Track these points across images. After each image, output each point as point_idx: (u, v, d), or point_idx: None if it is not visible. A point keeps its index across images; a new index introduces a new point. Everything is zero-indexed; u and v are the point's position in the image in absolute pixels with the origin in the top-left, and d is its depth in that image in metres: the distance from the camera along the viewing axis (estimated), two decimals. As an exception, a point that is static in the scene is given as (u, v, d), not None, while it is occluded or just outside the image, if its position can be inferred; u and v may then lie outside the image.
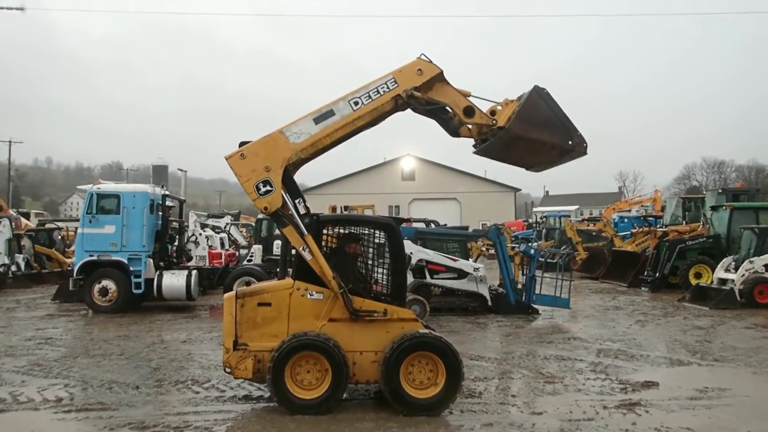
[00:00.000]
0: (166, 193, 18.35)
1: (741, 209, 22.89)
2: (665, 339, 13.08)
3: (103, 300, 16.77)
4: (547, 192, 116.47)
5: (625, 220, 45.09)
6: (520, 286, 17.15)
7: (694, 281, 21.22)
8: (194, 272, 17.67)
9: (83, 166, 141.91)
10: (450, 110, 8.06)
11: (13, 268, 24.38)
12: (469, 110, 8.00)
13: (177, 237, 19.04)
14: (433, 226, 26.73)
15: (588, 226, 36.11)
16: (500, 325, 15.03)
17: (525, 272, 17.28)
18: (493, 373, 9.85)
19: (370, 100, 7.78)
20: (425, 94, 7.90)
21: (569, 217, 42.72)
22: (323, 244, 8.02)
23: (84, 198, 17.58)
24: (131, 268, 16.79)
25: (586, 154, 8.18)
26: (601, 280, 26.77)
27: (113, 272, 16.81)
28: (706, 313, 16.74)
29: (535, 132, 8.06)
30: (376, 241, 8.23)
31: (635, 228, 37.15)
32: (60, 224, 36.29)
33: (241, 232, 34.38)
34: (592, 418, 7.49)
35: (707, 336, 13.33)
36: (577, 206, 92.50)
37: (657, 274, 22.82)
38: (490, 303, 16.74)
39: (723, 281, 18.90)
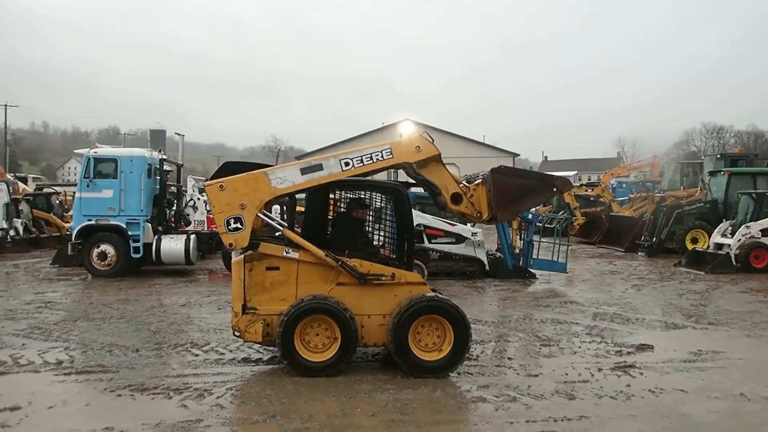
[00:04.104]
0: (164, 157, 18.27)
1: (739, 174, 22.89)
2: (661, 303, 13.18)
3: (102, 264, 16.82)
4: (546, 157, 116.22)
5: (624, 185, 45.21)
6: (517, 251, 17.22)
7: (690, 246, 21.30)
8: (193, 237, 17.69)
9: (80, 130, 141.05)
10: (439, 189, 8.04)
11: (12, 232, 24.39)
12: (457, 197, 7.93)
13: (175, 201, 19.03)
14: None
15: (586, 191, 36.08)
16: (498, 290, 15.13)
17: (523, 237, 17.32)
18: (490, 337, 9.94)
19: (362, 164, 7.68)
20: (419, 170, 7.87)
21: (567, 182, 42.61)
22: (330, 208, 8.04)
23: (81, 162, 17.52)
24: (130, 233, 16.81)
25: (573, 186, 8.32)
26: (599, 244, 26.91)
27: (112, 237, 16.84)
28: (702, 278, 16.86)
29: (523, 205, 8.42)
30: (384, 205, 8.27)
31: (633, 193, 37.28)
32: (58, 189, 36.18)
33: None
34: (587, 380, 7.58)
35: (702, 300, 13.44)
36: (575, 171, 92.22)
37: (654, 239, 22.91)
38: (487, 267, 16.82)
39: (719, 246, 18.99)
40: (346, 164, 7.65)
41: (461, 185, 8.01)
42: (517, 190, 7.98)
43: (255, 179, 7.56)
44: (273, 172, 7.62)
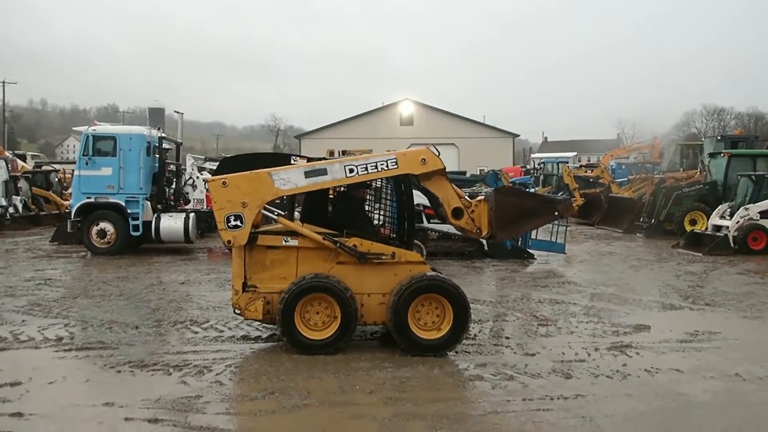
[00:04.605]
0: (163, 135, 18.22)
1: (738, 156, 22.84)
2: (658, 284, 13.24)
3: (102, 242, 16.85)
4: (546, 138, 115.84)
5: (623, 166, 45.18)
6: (516, 231, 17.24)
7: (689, 228, 21.32)
8: (192, 215, 17.70)
9: (79, 108, 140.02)
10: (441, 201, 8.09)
11: (11, 210, 24.41)
12: (458, 212, 7.96)
13: (174, 180, 19.01)
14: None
15: (585, 172, 36.06)
16: (496, 270, 15.17)
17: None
18: (488, 316, 9.99)
19: (366, 172, 7.71)
20: (423, 181, 7.93)
21: (567, 163, 42.65)
22: (330, 188, 8.07)
23: (80, 140, 17.48)
24: (129, 211, 16.82)
25: (574, 210, 8.41)
26: (597, 226, 26.89)
27: (111, 214, 16.85)
28: (700, 259, 16.91)
29: (523, 226, 8.63)
30: (385, 185, 8.30)
31: (632, 174, 37.23)
32: (57, 166, 36.16)
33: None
34: (583, 359, 7.63)
35: (700, 281, 13.49)
36: (575, 153, 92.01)
37: (652, 221, 22.93)
38: (486, 248, 16.84)
39: (717, 228, 19.00)
40: (351, 171, 7.67)
41: (463, 200, 8.06)
42: (519, 211, 8.04)
43: (258, 179, 7.57)
44: (277, 173, 7.61)
